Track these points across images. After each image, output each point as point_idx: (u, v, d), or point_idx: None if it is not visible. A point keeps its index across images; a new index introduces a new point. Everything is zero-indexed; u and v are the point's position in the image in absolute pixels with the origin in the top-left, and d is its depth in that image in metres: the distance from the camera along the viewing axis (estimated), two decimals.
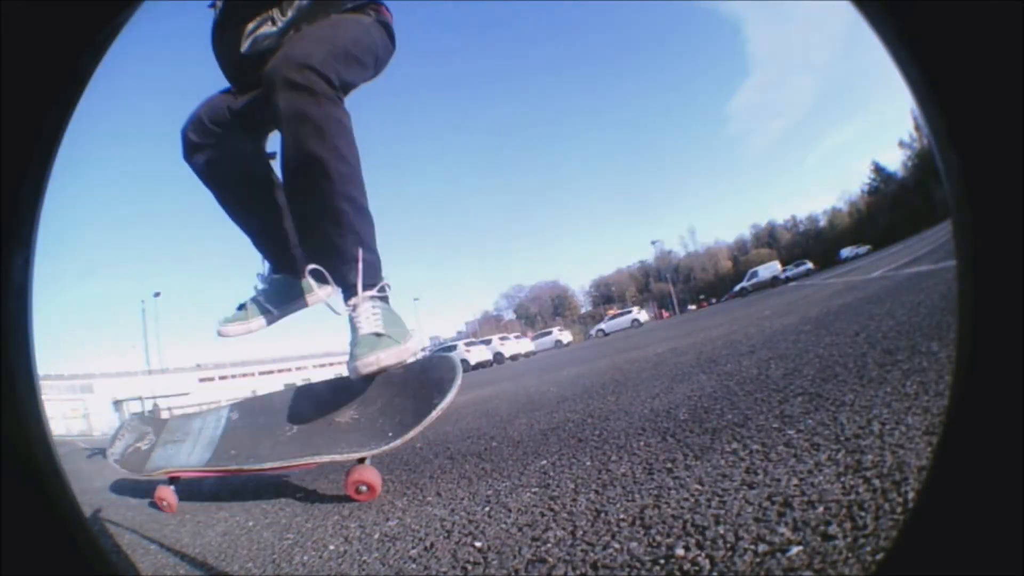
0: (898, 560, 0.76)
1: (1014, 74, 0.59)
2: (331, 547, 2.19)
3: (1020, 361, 0.60)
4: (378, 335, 2.55)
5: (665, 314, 75.41)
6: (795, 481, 1.70)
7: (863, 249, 60.62)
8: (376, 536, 2.18)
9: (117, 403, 52.56)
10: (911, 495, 1.40)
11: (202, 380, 70.64)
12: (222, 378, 72.53)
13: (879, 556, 1.15)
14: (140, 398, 49.46)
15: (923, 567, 0.68)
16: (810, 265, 60.59)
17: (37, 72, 0.74)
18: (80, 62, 0.79)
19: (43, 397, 0.81)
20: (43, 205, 0.80)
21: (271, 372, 77.68)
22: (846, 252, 63.66)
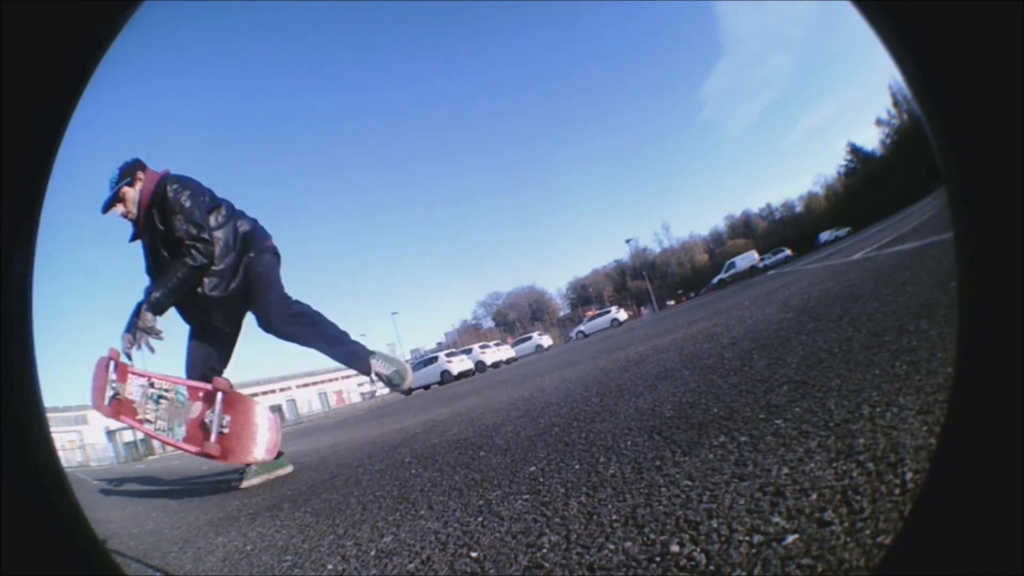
0: (899, 558, 0.76)
1: (1014, 73, 0.59)
2: (329, 566, 2.17)
3: (1020, 357, 0.61)
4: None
5: (643, 311, 75.49)
6: (786, 470, 1.71)
7: (842, 232, 60.95)
8: (372, 553, 2.17)
9: (110, 433, 52.15)
10: (908, 476, 1.40)
11: None
12: None
13: (881, 554, 1.15)
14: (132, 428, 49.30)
15: (924, 566, 0.68)
16: (788, 252, 60.81)
17: (37, 72, 0.73)
18: (80, 62, 0.78)
19: (42, 396, 0.80)
20: (43, 205, 0.80)
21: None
22: (825, 236, 63.81)
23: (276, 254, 5.47)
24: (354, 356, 5.21)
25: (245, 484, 4.88)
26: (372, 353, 5.21)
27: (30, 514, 0.75)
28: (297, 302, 5.26)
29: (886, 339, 2.91)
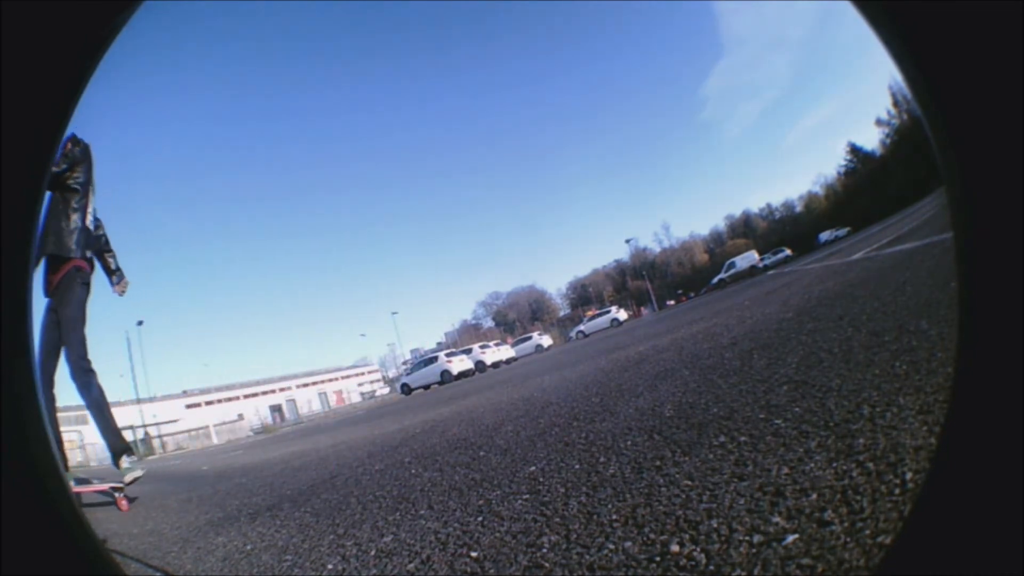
0: (899, 558, 0.76)
1: (1014, 73, 0.59)
2: (329, 566, 2.17)
3: (1020, 357, 0.61)
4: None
5: (643, 311, 75.43)
6: (786, 470, 1.71)
7: (842, 232, 60.87)
8: (372, 553, 2.17)
9: None
10: (908, 476, 1.40)
11: (189, 407, 70.04)
12: (208, 403, 71.96)
13: (881, 554, 1.15)
14: (132, 427, 49.18)
15: (924, 566, 0.68)
16: (788, 252, 60.67)
17: (37, 72, 0.73)
18: (80, 62, 0.78)
19: (42, 396, 0.80)
20: (43, 205, 0.80)
21: (255, 395, 77.28)
22: (825, 236, 63.69)
23: (85, 283, 5.44)
24: (110, 441, 5.63)
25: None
26: (128, 449, 5.69)
27: (30, 514, 0.75)
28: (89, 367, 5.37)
29: (886, 339, 2.91)
